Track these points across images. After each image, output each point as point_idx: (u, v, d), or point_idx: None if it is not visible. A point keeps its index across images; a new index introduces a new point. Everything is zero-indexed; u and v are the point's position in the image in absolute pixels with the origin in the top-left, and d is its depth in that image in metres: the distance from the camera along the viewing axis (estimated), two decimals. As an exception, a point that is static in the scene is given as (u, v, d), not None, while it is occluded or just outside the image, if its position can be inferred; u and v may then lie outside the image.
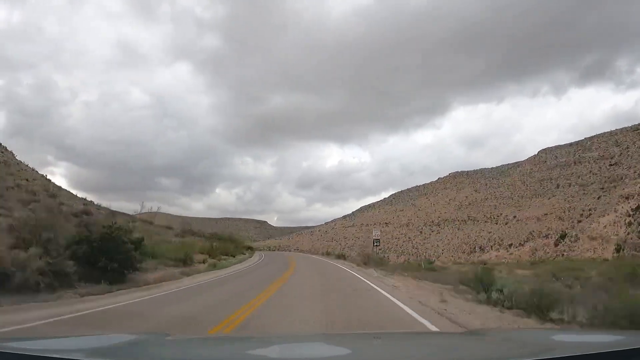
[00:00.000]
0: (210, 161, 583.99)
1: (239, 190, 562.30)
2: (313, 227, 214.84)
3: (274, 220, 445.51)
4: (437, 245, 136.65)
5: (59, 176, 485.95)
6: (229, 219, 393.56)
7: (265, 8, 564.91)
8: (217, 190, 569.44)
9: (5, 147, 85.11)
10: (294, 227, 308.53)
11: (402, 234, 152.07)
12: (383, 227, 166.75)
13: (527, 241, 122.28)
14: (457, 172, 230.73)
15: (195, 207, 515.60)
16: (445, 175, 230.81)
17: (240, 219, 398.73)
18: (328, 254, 66.67)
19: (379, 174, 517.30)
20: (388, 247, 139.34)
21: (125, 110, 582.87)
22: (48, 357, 1.95)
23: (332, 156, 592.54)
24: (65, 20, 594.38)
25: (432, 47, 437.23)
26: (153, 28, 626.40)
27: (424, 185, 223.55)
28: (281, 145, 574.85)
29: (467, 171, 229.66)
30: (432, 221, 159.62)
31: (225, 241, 48.68)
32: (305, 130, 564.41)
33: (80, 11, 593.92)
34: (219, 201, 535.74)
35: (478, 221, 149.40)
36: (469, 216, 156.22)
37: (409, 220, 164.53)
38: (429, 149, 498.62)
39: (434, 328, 8.98)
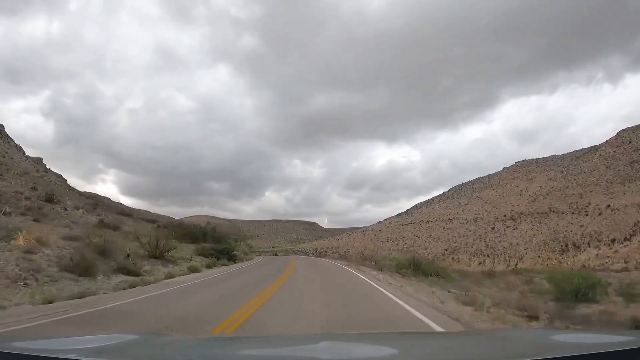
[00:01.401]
0: (258, 164, 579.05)
1: (288, 193, 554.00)
2: (365, 227, 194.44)
3: (324, 222, 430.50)
4: (517, 242, 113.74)
5: (110, 183, 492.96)
6: (277, 221, 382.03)
7: (301, 3, 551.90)
8: (267, 193, 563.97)
9: (12, 139, 75.89)
10: (344, 229, 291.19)
11: (470, 230, 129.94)
12: (446, 223, 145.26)
13: (633, 235, 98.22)
14: (525, 160, 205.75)
15: (246, 210, 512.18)
16: (511, 164, 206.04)
17: (289, 220, 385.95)
18: (417, 269, 24.07)
19: (429, 172, 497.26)
20: (456, 246, 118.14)
21: (170, 115, 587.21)
22: (48, 357, 1.94)
23: (380, 156, 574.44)
24: (103, 27, 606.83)
25: (476, 36, 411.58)
26: (190, 31, 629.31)
27: (487, 176, 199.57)
28: (328, 146, 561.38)
29: (536, 159, 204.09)
30: (505, 215, 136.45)
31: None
32: (352, 130, 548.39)
33: (116, 17, 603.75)
34: (269, 204, 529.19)
35: (563, 213, 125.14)
36: (550, 208, 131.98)
37: (476, 215, 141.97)
38: (479, 144, 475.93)
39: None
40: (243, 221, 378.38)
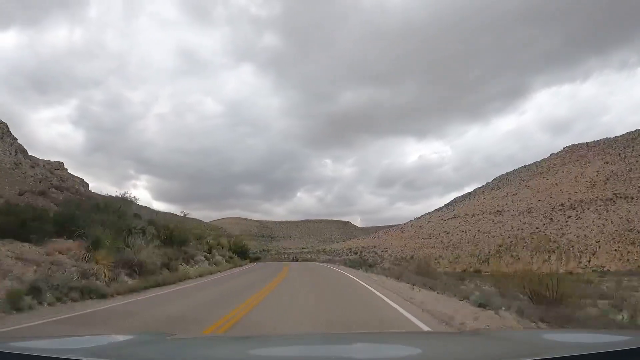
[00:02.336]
0: (289, 165, 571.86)
1: (320, 193, 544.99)
2: (403, 223, 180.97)
3: (357, 221, 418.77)
4: (585, 235, 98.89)
5: (142, 189, 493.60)
6: (310, 220, 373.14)
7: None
8: (299, 194, 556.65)
9: (16, 139, 73.05)
10: (379, 227, 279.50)
11: (524, 223, 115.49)
12: (495, 216, 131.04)
13: None
14: (573, 145, 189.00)
15: (278, 212, 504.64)
16: (559, 150, 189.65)
17: (322, 220, 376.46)
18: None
19: (461, 168, 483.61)
20: (513, 242, 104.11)
21: (199, 119, 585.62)
22: (48, 357, 1.95)
23: (411, 152, 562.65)
24: (124, 34, 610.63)
25: (503, 23, 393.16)
26: (211, 32, 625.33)
27: (534, 163, 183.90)
28: (358, 144, 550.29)
29: (587, 143, 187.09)
30: (563, 204, 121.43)
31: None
32: (381, 126, 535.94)
33: (136, 23, 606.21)
34: (300, 205, 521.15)
35: (632, 198, 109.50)
36: (614, 193, 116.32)
37: (529, 205, 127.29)
38: (512, 136, 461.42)
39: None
40: (275, 222, 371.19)
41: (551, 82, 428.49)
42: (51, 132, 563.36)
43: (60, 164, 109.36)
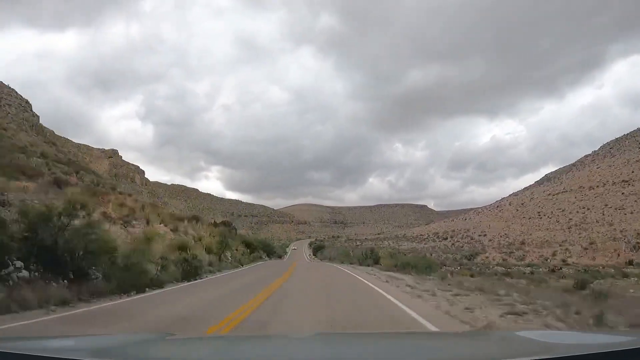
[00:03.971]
0: (358, 150, 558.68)
1: (391, 178, 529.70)
2: (499, 201, 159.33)
3: (431, 205, 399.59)
4: None
5: (213, 179, 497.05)
6: (383, 205, 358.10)
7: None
8: (370, 179, 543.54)
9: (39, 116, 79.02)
10: (456, 210, 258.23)
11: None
12: (622, 187, 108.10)
13: None
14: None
15: (350, 198, 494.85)
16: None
17: (397, 204, 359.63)
18: None
19: (536, 148, 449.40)
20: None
21: (265, 108, 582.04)
22: (48, 357, 1.96)
23: (483, 133, 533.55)
24: (180, 25, 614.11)
25: None
26: (266, 16, 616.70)
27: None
28: (428, 126, 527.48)
29: None
30: None
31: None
32: (450, 106, 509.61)
33: (190, 14, 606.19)
34: (372, 190, 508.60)
35: None
36: None
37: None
38: (589, 111, 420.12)
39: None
40: (347, 208, 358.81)
41: (629, 51, 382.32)
42: (121, 128, 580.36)
43: (115, 151, 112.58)
